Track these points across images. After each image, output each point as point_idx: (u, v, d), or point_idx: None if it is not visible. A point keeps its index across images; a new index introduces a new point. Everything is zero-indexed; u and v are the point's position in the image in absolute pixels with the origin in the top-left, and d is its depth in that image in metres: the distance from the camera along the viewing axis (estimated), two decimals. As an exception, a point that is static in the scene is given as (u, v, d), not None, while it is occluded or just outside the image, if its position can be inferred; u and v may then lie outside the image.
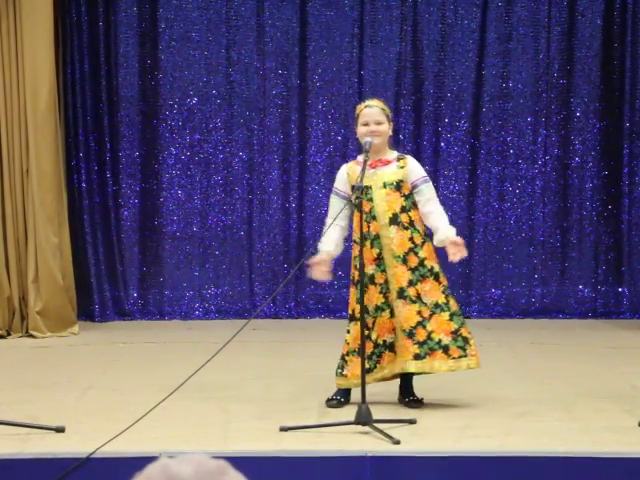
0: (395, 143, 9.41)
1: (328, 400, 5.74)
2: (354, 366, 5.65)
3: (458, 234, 9.35)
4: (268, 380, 6.46)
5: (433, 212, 5.68)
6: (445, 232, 5.62)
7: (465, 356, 5.65)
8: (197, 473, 1.60)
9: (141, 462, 1.67)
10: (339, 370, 5.75)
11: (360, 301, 5.37)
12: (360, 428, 5.09)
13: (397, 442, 4.89)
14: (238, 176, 9.46)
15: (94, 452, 4.69)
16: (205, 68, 9.36)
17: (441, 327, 5.62)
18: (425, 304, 5.62)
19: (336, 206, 5.71)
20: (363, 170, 5.42)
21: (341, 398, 5.74)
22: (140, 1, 9.25)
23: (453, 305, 5.69)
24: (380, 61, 9.42)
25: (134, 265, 9.40)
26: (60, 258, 8.53)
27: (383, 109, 5.76)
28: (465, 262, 9.46)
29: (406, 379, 5.78)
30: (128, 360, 7.39)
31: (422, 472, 4.78)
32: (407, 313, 5.58)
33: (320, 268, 5.67)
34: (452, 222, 9.29)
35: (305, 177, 9.42)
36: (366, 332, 5.59)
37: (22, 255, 8.47)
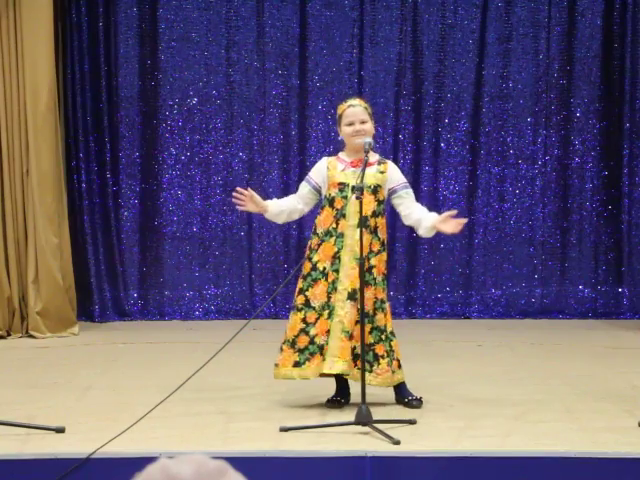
0: (395, 143, 9.49)
1: (328, 400, 5.74)
2: (286, 357, 5.65)
3: (458, 234, 9.43)
4: (268, 380, 6.44)
5: (413, 210, 5.65)
6: (429, 218, 5.56)
7: (370, 372, 5.61)
8: (197, 473, 1.60)
9: (141, 462, 1.67)
10: (275, 360, 5.75)
11: (360, 294, 5.36)
12: (360, 428, 5.09)
13: (397, 442, 4.89)
14: (238, 176, 9.46)
15: (94, 452, 4.69)
16: (205, 68, 9.36)
17: (359, 336, 5.54)
18: (358, 309, 5.60)
19: (304, 191, 5.75)
20: (363, 170, 5.41)
21: (341, 398, 5.73)
22: (140, 1, 9.25)
23: (379, 320, 5.64)
24: (380, 61, 9.42)
25: (134, 265, 9.40)
26: (60, 258, 8.53)
27: (366, 108, 5.76)
28: (465, 263, 9.47)
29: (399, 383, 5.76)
30: (128, 360, 7.39)
31: (422, 472, 4.78)
32: (353, 315, 5.55)
33: (252, 198, 5.66)
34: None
35: (305, 177, 9.39)
36: (303, 325, 5.60)
37: (22, 255, 8.48)
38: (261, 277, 9.47)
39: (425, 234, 5.68)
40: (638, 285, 9.38)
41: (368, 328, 5.60)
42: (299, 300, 5.65)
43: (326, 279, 5.62)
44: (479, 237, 9.50)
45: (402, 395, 5.75)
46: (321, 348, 5.60)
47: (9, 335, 8.37)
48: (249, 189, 5.80)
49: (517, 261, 9.47)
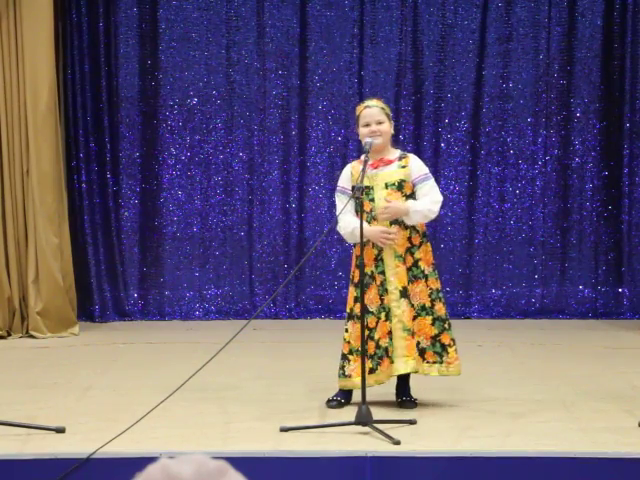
0: (395, 143, 9.47)
1: (328, 401, 5.74)
2: (359, 366, 5.64)
3: (458, 234, 9.45)
4: (268, 380, 6.46)
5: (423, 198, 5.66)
6: (411, 202, 5.57)
7: (440, 362, 5.65)
8: (197, 473, 1.60)
9: (141, 462, 1.67)
10: (341, 371, 5.73)
11: (361, 299, 5.36)
12: (360, 428, 5.09)
13: (397, 442, 4.89)
14: (238, 177, 9.46)
15: (94, 452, 4.69)
16: (205, 68, 9.36)
17: (422, 330, 5.62)
18: (412, 305, 5.63)
19: (345, 201, 5.67)
20: (363, 171, 5.42)
21: (341, 399, 5.73)
22: (140, 2, 9.25)
23: (438, 310, 5.68)
24: (380, 61, 9.42)
25: (134, 265, 9.40)
26: (60, 258, 8.53)
27: (383, 108, 5.76)
28: (465, 263, 9.47)
29: (403, 379, 5.77)
30: (128, 360, 7.39)
31: (422, 472, 4.78)
32: (410, 312, 5.60)
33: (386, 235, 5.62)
34: (452, 222, 9.42)
35: (305, 177, 9.42)
36: (366, 332, 5.60)
37: (22, 255, 8.48)
38: (261, 277, 9.47)
39: (407, 220, 5.65)
40: (638, 285, 9.38)
41: (430, 320, 5.64)
42: (357, 308, 5.62)
43: (375, 282, 5.63)
44: (479, 237, 9.49)
45: (399, 394, 5.75)
46: (386, 350, 5.60)
47: (9, 335, 8.38)
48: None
49: (517, 261, 9.47)
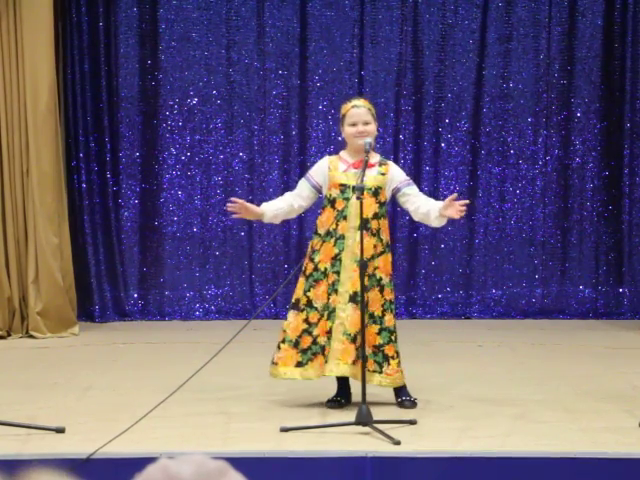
0: (395, 143, 9.49)
1: (329, 401, 5.74)
2: (287, 356, 5.67)
3: (459, 234, 9.45)
4: (268, 381, 6.44)
5: (419, 204, 5.66)
6: (435, 209, 5.57)
7: (380, 372, 5.65)
8: (197, 474, 1.61)
9: (141, 463, 1.67)
10: (272, 358, 5.74)
11: (361, 296, 5.36)
12: (361, 429, 5.09)
13: (397, 443, 4.90)
14: (238, 176, 9.46)
15: (94, 453, 4.69)
16: (205, 68, 9.36)
17: (367, 338, 5.58)
18: (367, 312, 5.62)
19: (302, 189, 5.74)
20: (363, 170, 5.41)
21: (341, 399, 5.74)
22: (140, 1, 9.25)
23: (388, 321, 5.66)
24: (380, 61, 9.42)
25: (134, 265, 9.40)
26: (60, 258, 8.53)
27: (370, 109, 5.76)
28: (465, 263, 9.47)
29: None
30: (128, 361, 7.40)
31: (422, 473, 4.78)
32: (355, 318, 5.55)
33: (246, 207, 5.66)
34: (453, 222, 9.40)
35: (305, 174, 9.39)
36: (305, 326, 5.62)
37: (22, 255, 8.48)
38: (261, 277, 9.47)
39: (437, 225, 5.70)
40: (638, 285, 9.38)
41: (376, 329, 5.63)
42: (302, 300, 5.66)
43: (326, 280, 5.62)
44: (480, 237, 9.49)
45: (398, 395, 5.75)
46: (323, 349, 5.60)
47: (9, 335, 8.37)
48: (236, 199, 5.78)
49: (518, 261, 9.46)
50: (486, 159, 9.48)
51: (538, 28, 9.35)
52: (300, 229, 9.44)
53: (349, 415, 5.29)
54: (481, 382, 6.43)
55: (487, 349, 7.83)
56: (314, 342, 5.61)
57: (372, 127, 5.68)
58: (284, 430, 5.13)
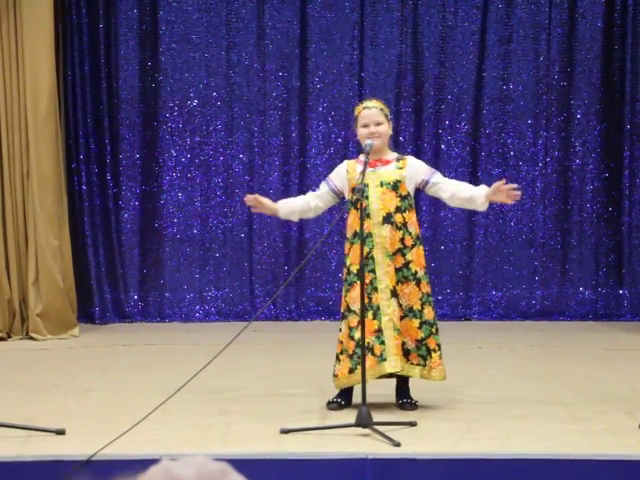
0: (395, 145, 9.46)
1: (329, 402, 5.74)
2: (344, 365, 5.67)
3: (459, 236, 9.45)
4: (268, 382, 6.46)
5: (455, 190, 5.69)
6: (480, 193, 5.59)
7: (424, 366, 5.67)
8: (199, 475, 1.61)
9: (142, 464, 1.68)
10: (333, 370, 5.76)
11: (361, 298, 5.36)
12: (361, 430, 5.09)
13: (397, 444, 4.90)
14: (238, 178, 9.46)
15: (95, 454, 4.69)
16: (205, 70, 9.36)
17: (408, 332, 5.64)
18: (400, 305, 5.63)
19: (321, 192, 5.79)
20: (363, 172, 5.43)
21: (342, 400, 5.74)
22: (140, 3, 9.25)
23: (427, 314, 5.68)
24: (380, 63, 9.42)
25: (134, 267, 9.40)
26: (60, 260, 8.53)
27: (382, 109, 5.77)
28: (465, 264, 9.47)
29: (402, 381, 5.78)
30: (128, 362, 7.39)
31: (422, 474, 4.78)
32: (399, 312, 5.61)
33: (260, 202, 5.68)
34: (453, 224, 9.43)
35: (305, 179, 9.41)
36: (349, 331, 5.61)
37: (22, 257, 8.47)
38: (261, 279, 9.47)
39: (482, 209, 5.75)
40: (638, 287, 9.38)
41: (417, 323, 5.66)
42: (343, 306, 5.69)
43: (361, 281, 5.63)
44: (479, 239, 9.49)
45: (399, 396, 5.76)
46: (371, 349, 5.59)
47: (9, 337, 8.37)
48: (251, 195, 5.83)
49: (517, 263, 9.46)
50: (486, 161, 9.48)
51: (538, 30, 9.36)
52: (300, 230, 9.44)
53: (349, 417, 5.29)
54: (481, 384, 6.43)
55: (487, 351, 7.83)
56: (358, 345, 5.61)
57: (384, 127, 5.70)
58: (284, 432, 5.13)
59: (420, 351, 5.67)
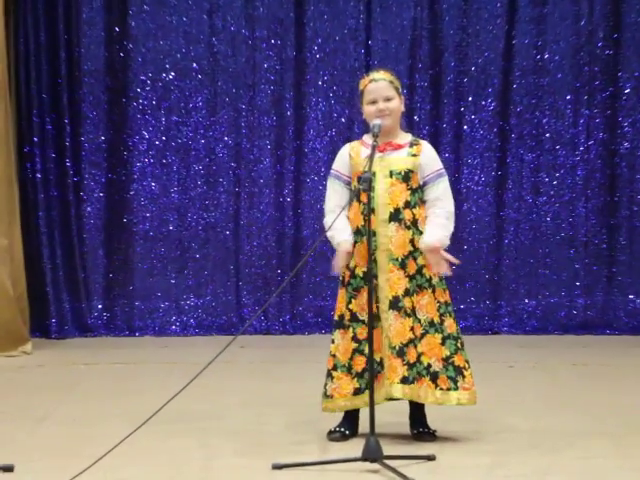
0: (408, 126, 9.45)
1: (330, 432, 5.71)
2: (343, 384, 5.63)
3: (485, 234, 9.41)
4: (258, 408, 6.43)
5: (431, 214, 5.60)
6: (426, 236, 5.52)
7: (456, 389, 5.63)
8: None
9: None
10: (324, 390, 5.71)
11: (369, 304, 5.31)
12: (368, 465, 5.06)
13: (413, 483, 4.86)
14: (223, 165, 9.46)
15: (49, 496, 4.64)
16: (184, 37, 9.36)
17: (432, 350, 5.58)
18: (419, 320, 5.58)
19: (339, 192, 5.66)
20: (371, 158, 5.37)
21: (346, 430, 5.71)
22: (106, -43, 9.25)
23: (449, 327, 5.64)
24: (391, 29, 9.42)
25: (98, 271, 9.40)
26: (10, 263, 8.52)
27: (392, 82, 5.71)
28: (493, 267, 9.43)
29: (417, 407, 5.75)
30: (91, 385, 7.37)
31: (443, 519, 4.74)
32: (400, 327, 5.53)
33: (341, 263, 5.60)
34: (478, 219, 9.39)
35: (302, 166, 9.41)
36: (355, 345, 5.58)
37: (-36, 259, 8.46)
38: (250, 285, 9.46)
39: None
40: (702, 294, 9.38)
41: (439, 338, 5.60)
42: (346, 315, 5.61)
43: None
44: (509, 237, 9.48)
45: (414, 426, 5.71)
46: (381, 366, 5.57)
47: (-54, 354, 8.36)
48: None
49: (555, 266, 9.45)
50: (517, 144, 9.46)
51: (578, -12, 9.36)
52: (296, 227, 9.41)
53: (355, 449, 5.25)
54: (512, 410, 6.40)
55: (519, 370, 7.81)
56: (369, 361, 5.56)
57: (396, 103, 5.64)
58: (277, 467, 5.10)
59: (448, 371, 5.62)
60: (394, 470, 4.96)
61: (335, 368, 5.66)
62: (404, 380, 5.54)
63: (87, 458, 4.96)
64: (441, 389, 5.60)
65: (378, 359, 5.56)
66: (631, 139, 9.43)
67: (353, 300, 5.62)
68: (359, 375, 5.60)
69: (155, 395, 5.76)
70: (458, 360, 5.65)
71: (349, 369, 5.63)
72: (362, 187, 5.28)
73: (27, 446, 5.60)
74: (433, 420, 5.77)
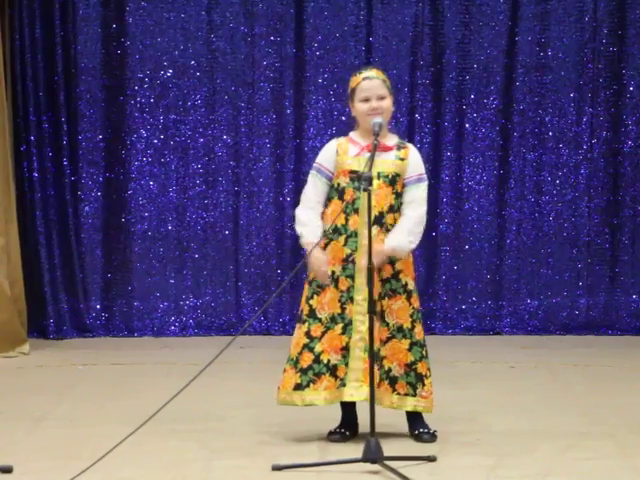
0: (410, 124, 9.48)
1: (330, 433, 5.73)
2: (287, 378, 5.66)
3: (487, 233, 9.42)
4: (258, 409, 6.45)
5: (403, 217, 5.61)
6: (387, 239, 5.53)
7: (414, 395, 5.65)
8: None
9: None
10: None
11: (369, 304, 5.35)
12: (369, 467, 5.08)
13: (413, 484, 4.90)
14: (222, 164, 9.45)
15: (48, 496, 4.68)
16: (182, 34, 9.35)
17: (395, 355, 5.60)
18: (387, 324, 5.61)
19: (320, 187, 5.70)
20: (372, 157, 5.39)
21: (346, 431, 5.73)
22: (103, -47, 9.25)
23: (417, 333, 5.66)
24: (392, 25, 9.41)
25: (97, 271, 9.39)
26: (7, 263, 8.51)
27: (384, 81, 5.73)
28: (494, 267, 9.45)
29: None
30: (89, 385, 7.38)
31: (443, 520, 4.77)
32: (376, 332, 5.52)
33: (323, 267, 5.64)
34: (479, 219, 9.40)
35: (302, 165, 9.39)
36: (306, 340, 5.61)
37: (-40, 259, 8.47)
38: (249, 285, 9.46)
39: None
40: None
41: (407, 344, 5.63)
42: (305, 310, 5.67)
43: (336, 286, 5.61)
44: (511, 237, 9.48)
45: (414, 426, 5.74)
46: (332, 369, 5.59)
47: (-57, 355, 8.37)
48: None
49: (557, 266, 9.45)
50: (519, 143, 9.47)
51: (583, -16, 9.37)
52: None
53: (355, 450, 5.28)
54: (513, 411, 6.42)
55: (521, 371, 7.82)
56: (317, 360, 5.59)
57: (388, 102, 5.66)
58: (277, 469, 5.12)
59: (409, 378, 5.64)
60: (394, 471, 4.99)
61: (287, 361, 5.69)
62: (379, 385, 5.56)
63: (86, 459, 5.00)
64: (398, 394, 5.61)
65: (325, 360, 5.59)
66: (635, 138, 9.43)
67: (315, 296, 5.66)
68: (303, 371, 5.62)
69: (154, 396, 5.78)
70: (421, 368, 5.67)
71: (295, 363, 5.64)
72: (363, 186, 5.29)
73: (26, 447, 5.62)
74: (434, 421, 5.80)
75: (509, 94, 9.43)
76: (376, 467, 5.07)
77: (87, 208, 9.35)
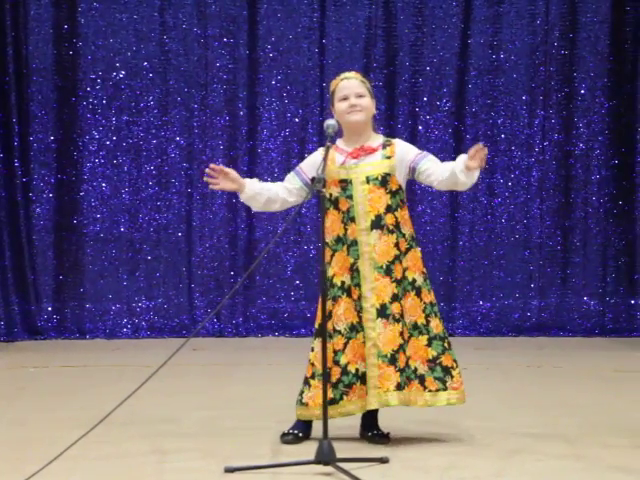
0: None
1: (283, 435, 5.72)
2: (319, 393, 5.63)
3: (439, 235, 9.45)
4: (211, 411, 6.44)
5: (442, 171, 5.56)
6: (459, 164, 5.51)
7: (444, 389, 5.66)
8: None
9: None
10: (299, 397, 5.73)
11: (322, 316, 5.34)
12: (321, 468, 5.07)
13: (366, 485, 4.89)
14: (175, 165, 9.44)
15: (-2, 500, 4.64)
16: (134, 35, 9.34)
17: (417, 354, 5.61)
18: (405, 324, 5.61)
19: (292, 182, 5.68)
20: (325, 160, 5.36)
21: (299, 432, 5.72)
22: (55, -47, 9.21)
23: (435, 327, 5.66)
24: (345, 27, 9.43)
25: (48, 273, 9.36)
26: (-43, 264, 8.46)
27: (363, 81, 5.71)
28: (447, 269, 9.48)
29: (369, 410, 5.76)
30: (40, 388, 7.34)
31: (396, 522, 4.76)
32: (390, 335, 5.53)
33: (226, 172, 5.65)
34: (432, 221, 9.43)
35: (256, 167, 9.40)
36: (332, 354, 5.59)
37: None
38: (202, 287, 9.45)
39: (468, 182, 5.57)
40: (654, 296, 9.45)
41: (425, 340, 5.62)
42: (327, 324, 5.59)
43: (349, 295, 5.58)
44: (464, 239, 9.52)
45: (367, 428, 5.74)
46: (362, 377, 5.57)
47: None
48: (221, 166, 5.73)
49: (510, 267, 9.49)
50: (472, 145, 9.37)
51: (534, -13, 9.41)
52: (249, 229, 9.41)
53: (308, 452, 5.27)
54: (465, 412, 6.42)
55: (473, 372, 7.83)
56: (344, 372, 5.57)
57: (367, 101, 5.63)
58: (229, 470, 5.11)
59: (436, 373, 5.64)
60: (347, 473, 4.98)
61: (313, 376, 5.66)
62: (398, 387, 5.56)
63: (36, 462, 4.96)
64: (430, 391, 5.62)
65: (354, 370, 5.59)
66: (586, 140, 9.48)
67: (331, 310, 5.63)
68: (334, 386, 5.61)
69: (106, 398, 5.74)
70: (446, 360, 5.67)
71: (327, 378, 5.63)
72: (316, 187, 5.26)
73: (-25, 450, 5.59)
74: (387, 422, 5.80)
75: (462, 96, 9.47)
76: (329, 469, 5.06)
77: (38, 209, 9.32)
